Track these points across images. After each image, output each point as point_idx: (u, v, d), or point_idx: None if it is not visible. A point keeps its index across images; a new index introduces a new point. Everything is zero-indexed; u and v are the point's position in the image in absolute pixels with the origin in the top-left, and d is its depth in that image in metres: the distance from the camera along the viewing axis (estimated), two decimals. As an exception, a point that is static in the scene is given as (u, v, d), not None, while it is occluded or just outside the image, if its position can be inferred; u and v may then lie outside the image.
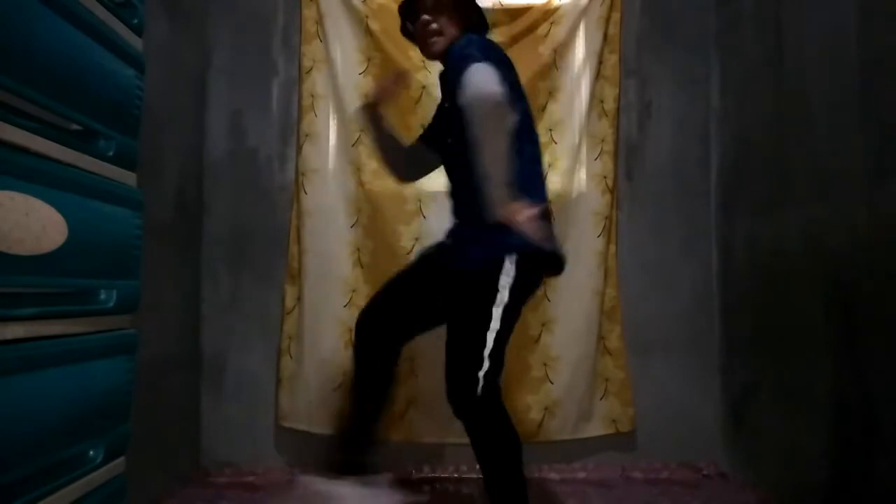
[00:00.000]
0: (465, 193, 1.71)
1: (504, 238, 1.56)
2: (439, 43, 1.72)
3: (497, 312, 1.56)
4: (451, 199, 1.81)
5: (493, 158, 1.51)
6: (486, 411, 1.56)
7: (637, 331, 2.49)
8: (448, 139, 1.75)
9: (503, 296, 1.57)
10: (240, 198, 2.48)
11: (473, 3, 1.81)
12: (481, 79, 1.47)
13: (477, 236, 1.64)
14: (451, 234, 1.79)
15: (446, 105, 1.75)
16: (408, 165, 1.96)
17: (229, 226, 2.47)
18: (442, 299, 1.67)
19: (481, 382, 1.53)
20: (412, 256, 2.39)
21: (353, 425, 1.76)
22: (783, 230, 2.04)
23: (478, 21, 1.81)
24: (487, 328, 1.55)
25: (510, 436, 1.58)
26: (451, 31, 1.72)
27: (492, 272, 1.57)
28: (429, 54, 1.78)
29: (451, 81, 1.61)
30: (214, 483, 2.32)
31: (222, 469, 2.38)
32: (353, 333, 1.79)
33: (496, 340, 1.56)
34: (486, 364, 1.54)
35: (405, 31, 1.86)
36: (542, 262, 1.65)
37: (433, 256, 1.82)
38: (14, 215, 0.97)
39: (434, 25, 1.71)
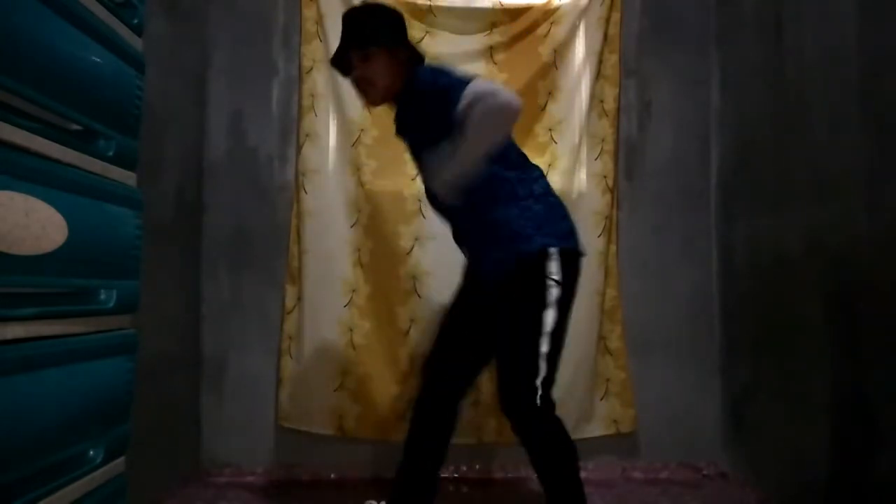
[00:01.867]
0: (471, 210, 1.64)
1: (534, 234, 1.56)
2: (380, 91, 1.67)
3: (548, 314, 1.52)
4: (455, 218, 1.74)
5: (478, 149, 1.47)
6: (546, 421, 1.52)
7: (637, 331, 2.49)
8: (426, 164, 1.66)
9: (552, 294, 1.53)
10: (240, 198, 2.48)
11: (405, 41, 1.73)
12: (495, 86, 1.50)
13: (498, 241, 1.60)
14: (471, 253, 1.75)
15: (414, 134, 1.72)
16: None
17: (229, 226, 2.47)
18: (487, 316, 1.63)
19: (539, 391, 1.49)
20: (412, 256, 2.40)
21: (426, 479, 1.71)
22: (783, 230, 2.04)
23: (412, 56, 1.73)
24: (540, 332, 1.51)
25: (569, 443, 1.56)
26: (393, 72, 1.66)
27: (535, 270, 1.54)
28: (374, 103, 1.73)
29: (430, 104, 1.56)
30: (214, 483, 2.32)
31: (222, 469, 2.38)
32: (421, 388, 1.75)
33: (551, 343, 1.52)
34: (543, 371, 1.50)
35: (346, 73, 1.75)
36: (575, 258, 1.62)
37: (464, 285, 1.79)
38: (14, 215, 0.97)
39: (374, 77, 1.65)
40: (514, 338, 1.54)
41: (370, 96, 1.70)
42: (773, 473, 2.11)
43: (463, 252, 1.79)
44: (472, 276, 1.77)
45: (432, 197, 1.74)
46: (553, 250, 1.55)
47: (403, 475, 1.72)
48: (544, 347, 1.50)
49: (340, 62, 1.71)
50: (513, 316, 1.55)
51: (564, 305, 1.55)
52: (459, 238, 1.76)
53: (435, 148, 1.56)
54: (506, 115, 1.47)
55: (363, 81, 1.68)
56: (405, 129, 1.74)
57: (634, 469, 2.44)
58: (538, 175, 1.68)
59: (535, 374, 1.49)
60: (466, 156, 1.48)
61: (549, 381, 1.52)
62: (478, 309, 1.71)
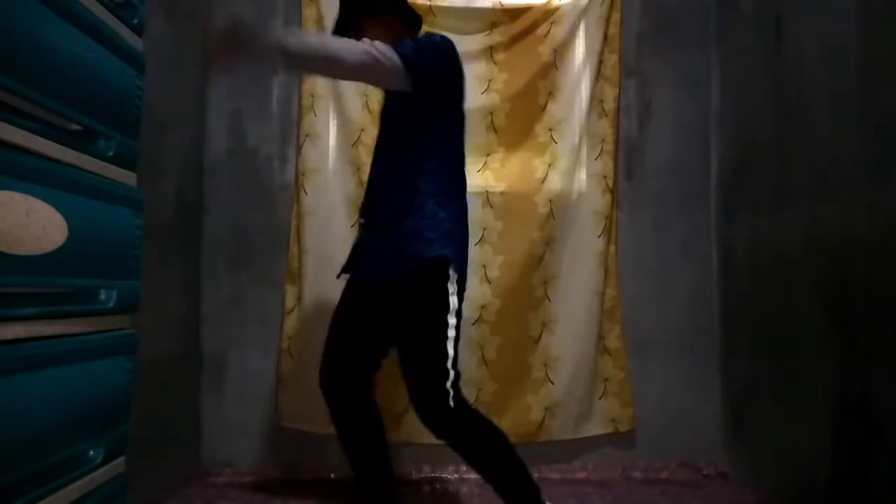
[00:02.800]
0: (383, 190, 1.65)
1: (436, 241, 1.54)
2: None
3: (452, 320, 1.53)
4: (369, 197, 1.72)
5: (324, 50, 1.47)
6: (464, 420, 1.54)
7: (637, 331, 2.49)
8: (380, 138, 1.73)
9: (454, 301, 1.54)
10: (240, 198, 2.48)
11: (402, 7, 1.74)
12: (384, 51, 1.49)
13: (400, 237, 1.58)
14: (366, 242, 1.70)
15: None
16: None
17: (229, 226, 2.47)
18: (381, 316, 1.62)
19: (451, 393, 1.51)
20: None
21: (378, 482, 1.69)
22: (783, 230, 2.04)
23: (409, 21, 1.74)
24: (446, 338, 1.52)
25: (494, 431, 1.58)
26: (388, 41, 1.60)
27: (437, 277, 1.53)
28: None
29: None
30: (214, 483, 2.32)
31: (222, 469, 2.38)
32: (326, 398, 1.72)
33: (455, 348, 1.53)
34: (452, 374, 1.51)
35: None
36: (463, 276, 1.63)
37: (350, 279, 1.75)
38: (14, 215, 0.97)
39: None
40: (420, 343, 1.55)
41: None
42: (773, 473, 2.11)
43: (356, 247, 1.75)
44: (365, 276, 1.70)
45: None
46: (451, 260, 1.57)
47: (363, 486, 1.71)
48: (451, 351, 1.52)
49: (337, 33, 1.71)
50: (417, 322, 1.55)
51: (460, 313, 1.58)
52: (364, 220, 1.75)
53: (385, 142, 1.66)
54: (360, 66, 1.48)
55: None
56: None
57: (634, 469, 2.44)
58: (456, 197, 1.67)
59: (446, 378, 1.51)
60: (300, 46, 1.45)
61: (458, 379, 1.55)
62: (368, 310, 1.68)
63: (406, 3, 1.82)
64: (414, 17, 1.77)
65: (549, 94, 2.49)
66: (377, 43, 1.50)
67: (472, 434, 1.56)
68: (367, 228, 1.71)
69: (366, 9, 1.69)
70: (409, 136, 1.62)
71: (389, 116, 1.68)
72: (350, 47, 1.48)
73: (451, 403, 1.51)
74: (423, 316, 1.54)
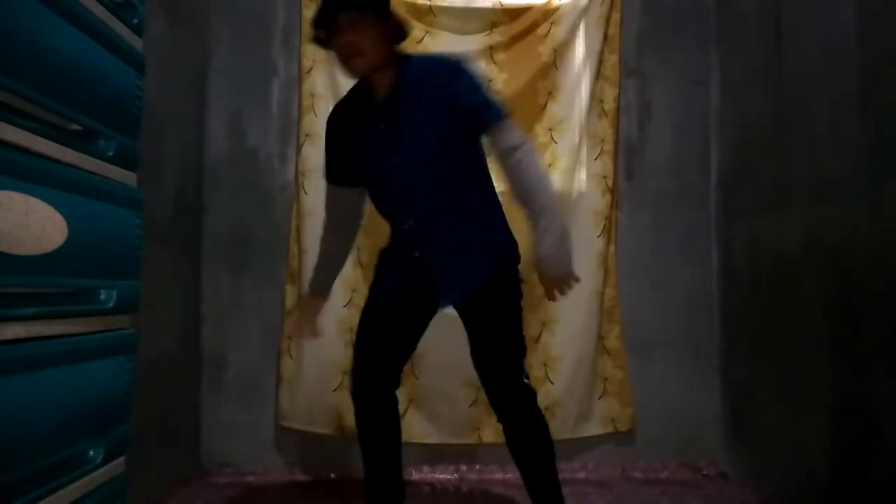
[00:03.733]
0: (446, 210, 1.61)
1: (511, 237, 1.68)
2: (368, 61, 1.53)
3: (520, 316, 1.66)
4: (421, 221, 1.63)
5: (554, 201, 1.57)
6: (534, 396, 1.63)
7: (637, 331, 2.49)
8: (403, 159, 1.58)
9: (522, 302, 1.67)
10: (240, 198, 2.48)
11: (392, 15, 1.63)
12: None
13: (477, 251, 1.63)
14: (444, 263, 1.64)
15: (409, 133, 1.58)
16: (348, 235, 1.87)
17: (229, 226, 2.47)
18: (470, 322, 1.66)
19: (525, 371, 1.63)
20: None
21: (385, 483, 1.71)
22: (783, 230, 2.04)
23: (399, 32, 1.63)
24: (522, 330, 1.65)
25: (543, 417, 1.68)
26: (384, 42, 1.54)
27: (514, 282, 1.65)
28: (355, 74, 1.59)
29: (449, 112, 1.53)
30: (214, 483, 2.32)
31: (222, 469, 2.38)
32: (355, 400, 1.70)
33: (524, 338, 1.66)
34: (524, 360, 1.64)
35: (318, 40, 1.61)
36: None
37: (417, 299, 1.68)
38: (14, 215, 0.97)
39: (360, 45, 1.51)
40: (503, 338, 1.64)
41: (355, 65, 1.54)
42: (773, 473, 2.11)
43: (418, 256, 1.65)
44: (462, 295, 1.65)
45: (397, 204, 1.67)
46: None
47: (374, 482, 1.71)
48: (523, 341, 1.66)
49: (324, 26, 1.55)
50: (504, 312, 1.64)
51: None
52: (420, 242, 1.65)
53: (433, 161, 1.57)
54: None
55: (350, 48, 1.51)
56: (397, 119, 1.58)
57: (634, 469, 2.44)
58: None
59: (524, 354, 1.64)
60: (557, 212, 1.54)
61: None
62: (428, 311, 1.72)
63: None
64: (402, 31, 1.63)
65: (549, 94, 2.49)
66: (521, 135, 1.58)
67: (538, 412, 1.65)
68: (433, 247, 1.64)
69: (381, 8, 1.56)
70: (469, 147, 1.64)
71: (456, 131, 1.57)
72: (535, 161, 1.58)
73: (527, 379, 1.62)
74: (514, 305, 1.65)
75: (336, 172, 1.73)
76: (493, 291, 1.61)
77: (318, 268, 1.86)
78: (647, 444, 2.47)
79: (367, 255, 2.41)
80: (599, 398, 2.45)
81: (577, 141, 2.47)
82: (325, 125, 1.75)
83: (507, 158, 1.53)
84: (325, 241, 1.83)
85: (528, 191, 1.53)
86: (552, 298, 1.58)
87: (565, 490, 1.67)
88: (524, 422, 1.63)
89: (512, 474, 2.38)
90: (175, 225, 2.21)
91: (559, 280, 1.54)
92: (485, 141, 1.61)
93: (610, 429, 2.43)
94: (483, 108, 1.55)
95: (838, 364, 1.75)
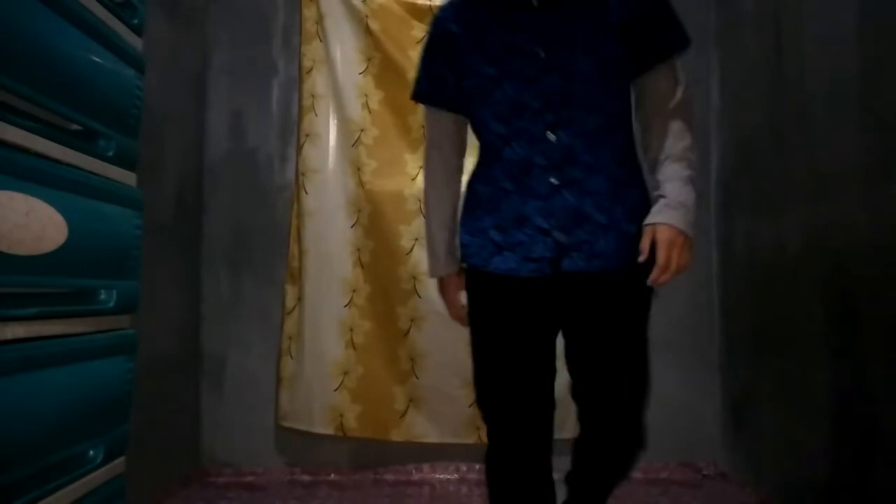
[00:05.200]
0: (593, 147, 1.23)
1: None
2: None
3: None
4: (569, 133, 1.23)
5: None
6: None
7: (637, 331, 2.49)
8: (548, 54, 1.22)
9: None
10: (240, 198, 2.48)
11: None
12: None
13: (624, 212, 1.28)
14: (580, 201, 1.24)
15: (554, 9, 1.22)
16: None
17: (229, 226, 2.47)
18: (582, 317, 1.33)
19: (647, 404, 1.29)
20: (412, 256, 2.39)
21: None
22: (783, 230, 2.03)
23: None
24: (647, 343, 1.30)
25: None
26: None
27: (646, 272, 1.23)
28: None
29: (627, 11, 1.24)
30: (214, 483, 2.32)
31: (222, 469, 2.38)
32: (495, 472, 1.38)
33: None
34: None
35: None
36: None
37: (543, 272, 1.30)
38: (14, 215, 0.97)
39: None
40: (639, 338, 1.32)
41: None
42: (773, 473, 2.11)
43: (555, 184, 1.24)
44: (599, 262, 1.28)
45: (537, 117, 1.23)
46: None
47: None
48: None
49: None
50: (640, 311, 1.31)
51: None
52: (561, 165, 1.24)
53: (599, 64, 1.23)
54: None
55: None
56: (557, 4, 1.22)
57: (634, 469, 2.43)
58: None
59: (648, 387, 1.31)
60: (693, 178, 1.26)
61: None
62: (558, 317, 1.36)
63: None
64: None
65: (550, 93, 2.47)
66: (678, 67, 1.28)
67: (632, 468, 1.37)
68: (581, 174, 1.24)
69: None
70: (623, 103, 1.35)
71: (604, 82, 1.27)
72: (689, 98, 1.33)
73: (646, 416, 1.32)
74: (648, 308, 1.34)
75: (441, 86, 1.32)
76: (632, 278, 1.25)
77: (442, 230, 1.44)
78: (647, 444, 2.47)
79: (368, 256, 2.42)
80: (599, 398, 2.44)
81: (577, 141, 2.46)
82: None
83: (667, 102, 1.28)
84: (440, 188, 1.41)
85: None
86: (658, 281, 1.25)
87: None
88: (627, 459, 1.40)
89: (512, 474, 2.39)
90: (175, 225, 2.21)
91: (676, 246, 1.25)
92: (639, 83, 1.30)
93: (610, 428, 2.43)
94: (672, 25, 1.29)
95: (838, 364, 1.75)
